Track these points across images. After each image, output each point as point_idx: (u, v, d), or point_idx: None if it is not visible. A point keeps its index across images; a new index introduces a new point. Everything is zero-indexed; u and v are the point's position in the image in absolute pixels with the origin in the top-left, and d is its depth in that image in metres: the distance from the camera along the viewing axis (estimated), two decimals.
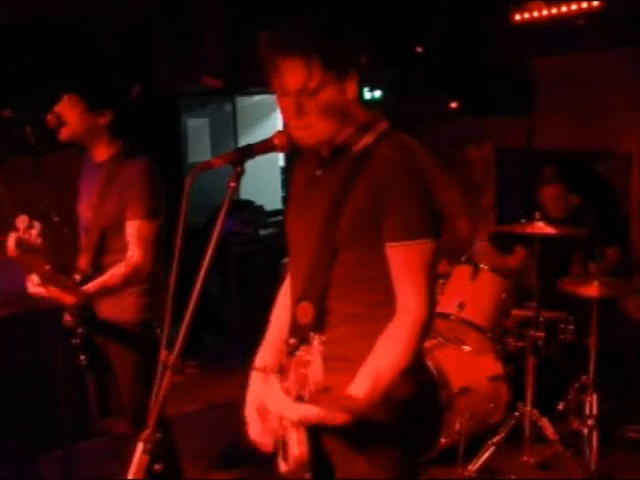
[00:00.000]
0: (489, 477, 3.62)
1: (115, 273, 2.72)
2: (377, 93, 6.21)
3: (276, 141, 1.85)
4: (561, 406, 3.87)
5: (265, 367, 2.00)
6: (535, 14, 4.65)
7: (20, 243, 2.51)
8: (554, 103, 5.10)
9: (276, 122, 7.13)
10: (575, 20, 4.58)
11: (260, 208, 6.42)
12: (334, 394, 1.72)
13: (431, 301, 1.78)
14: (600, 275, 3.55)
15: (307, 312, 1.87)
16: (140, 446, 1.75)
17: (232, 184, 1.83)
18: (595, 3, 4.41)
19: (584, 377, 3.74)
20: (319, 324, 1.86)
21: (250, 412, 1.98)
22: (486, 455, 3.62)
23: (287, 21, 1.83)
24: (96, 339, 2.91)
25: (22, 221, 2.56)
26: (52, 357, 3.33)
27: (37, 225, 2.58)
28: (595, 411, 3.64)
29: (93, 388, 4.15)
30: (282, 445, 1.87)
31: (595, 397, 3.65)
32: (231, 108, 6.73)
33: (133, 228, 2.74)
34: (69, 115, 2.82)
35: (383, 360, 1.76)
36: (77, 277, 2.85)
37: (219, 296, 6.06)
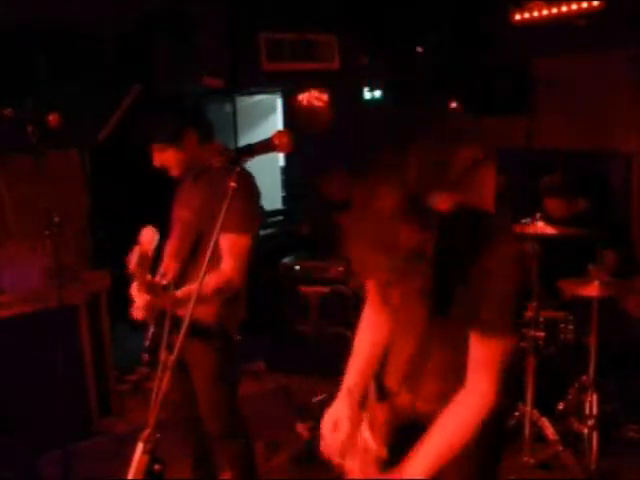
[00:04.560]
0: None
1: (207, 282, 2.58)
2: (377, 93, 6.22)
3: (276, 141, 1.86)
4: (561, 406, 3.87)
5: (353, 389, 2.06)
6: (535, 14, 4.65)
7: (142, 257, 2.57)
8: (554, 103, 5.10)
9: (276, 122, 7.14)
10: (575, 20, 4.58)
11: (260, 208, 6.41)
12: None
13: (500, 390, 1.84)
14: (600, 275, 3.55)
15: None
16: (140, 446, 1.75)
17: (232, 184, 1.83)
18: (595, 3, 4.41)
19: (584, 377, 3.73)
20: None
21: (326, 425, 2.03)
22: None
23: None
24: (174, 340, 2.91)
25: (148, 234, 2.61)
26: (52, 357, 3.33)
27: (156, 239, 2.62)
28: (595, 411, 3.63)
29: (93, 388, 4.15)
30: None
31: (595, 397, 3.64)
32: (231, 108, 6.72)
33: (227, 241, 2.70)
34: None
35: (446, 439, 1.84)
36: (163, 282, 2.83)
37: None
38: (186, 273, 2.82)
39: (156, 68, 5.32)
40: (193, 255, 2.81)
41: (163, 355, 1.80)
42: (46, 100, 3.68)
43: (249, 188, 2.78)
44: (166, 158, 2.84)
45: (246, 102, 7.02)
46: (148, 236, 2.63)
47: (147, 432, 1.75)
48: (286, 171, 7.28)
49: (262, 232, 6.32)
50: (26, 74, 4.44)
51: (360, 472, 1.91)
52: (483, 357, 1.83)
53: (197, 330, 2.72)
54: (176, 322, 2.83)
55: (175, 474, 3.08)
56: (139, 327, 3.30)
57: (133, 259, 2.61)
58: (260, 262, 5.90)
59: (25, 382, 3.76)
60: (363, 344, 2.15)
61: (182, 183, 3.00)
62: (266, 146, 1.87)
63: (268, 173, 7.04)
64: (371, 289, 2.10)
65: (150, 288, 2.67)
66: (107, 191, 4.78)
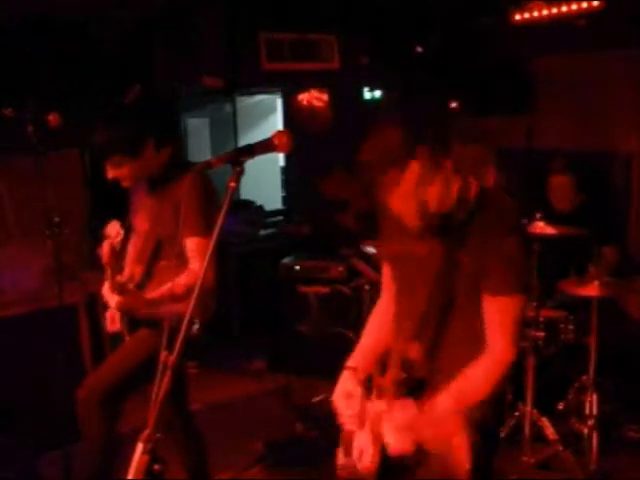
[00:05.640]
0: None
1: (178, 282, 2.73)
2: (377, 93, 6.21)
3: (276, 141, 1.86)
4: (561, 406, 3.87)
5: (356, 368, 2.18)
6: (535, 14, 4.65)
7: (112, 250, 2.67)
8: (554, 103, 5.10)
9: (276, 122, 7.14)
10: (575, 20, 4.58)
11: (260, 208, 6.42)
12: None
13: (516, 347, 1.97)
14: (600, 275, 3.55)
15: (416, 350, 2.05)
16: (140, 446, 1.75)
17: (232, 184, 1.83)
18: (595, 3, 4.41)
19: (584, 377, 3.73)
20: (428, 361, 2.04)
21: (339, 398, 2.14)
22: None
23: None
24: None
25: (113, 227, 2.69)
26: (52, 357, 3.33)
27: (121, 233, 2.69)
28: (595, 411, 3.64)
29: None
30: (348, 441, 2.09)
31: (595, 397, 3.65)
32: (231, 108, 6.73)
33: (193, 244, 2.80)
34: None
35: (469, 386, 1.96)
36: (130, 285, 2.92)
37: (219, 296, 6.05)
38: (150, 275, 2.93)
39: (156, 68, 5.32)
40: (155, 256, 2.91)
41: (163, 355, 1.80)
42: (46, 100, 3.68)
43: (204, 191, 2.83)
44: (122, 170, 2.88)
45: (246, 102, 7.02)
46: (114, 230, 2.72)
47: (147, 432, 1.75)
48: (286, 171, 7.28)
49: (262, 232, 6.34)
50: (26, 74, 4.44)
51: (373, 437, 2.00)
52: (497, 317, 1.93)
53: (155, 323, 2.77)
54: (135, 323, 2.93)
55: (175, 474, 3.08)
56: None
57: (105, 251, 2.70)
58: (260, 262, 5.93)
59: (25, 382, 3.76)
60: (372, 326, 2.29)
61: (136, 191, 3.07)
62: (266, 146, 1.87)
63: (268, 173, 7.05)
64: (386, 274, 2.24)
65: (120, 288, 2.77)
66: (107, 191, 4.77)
